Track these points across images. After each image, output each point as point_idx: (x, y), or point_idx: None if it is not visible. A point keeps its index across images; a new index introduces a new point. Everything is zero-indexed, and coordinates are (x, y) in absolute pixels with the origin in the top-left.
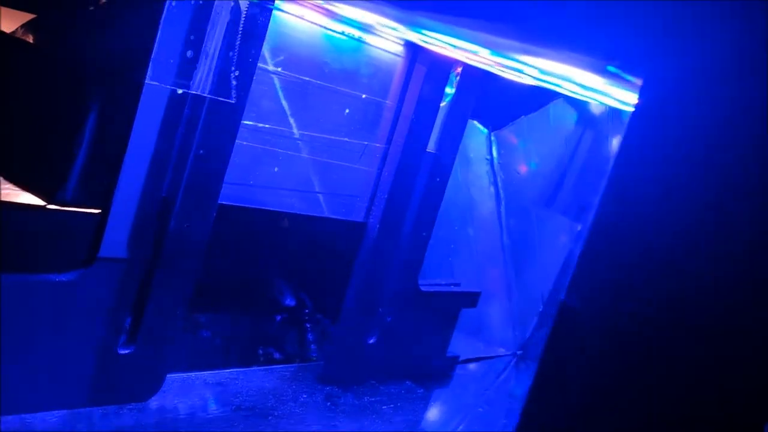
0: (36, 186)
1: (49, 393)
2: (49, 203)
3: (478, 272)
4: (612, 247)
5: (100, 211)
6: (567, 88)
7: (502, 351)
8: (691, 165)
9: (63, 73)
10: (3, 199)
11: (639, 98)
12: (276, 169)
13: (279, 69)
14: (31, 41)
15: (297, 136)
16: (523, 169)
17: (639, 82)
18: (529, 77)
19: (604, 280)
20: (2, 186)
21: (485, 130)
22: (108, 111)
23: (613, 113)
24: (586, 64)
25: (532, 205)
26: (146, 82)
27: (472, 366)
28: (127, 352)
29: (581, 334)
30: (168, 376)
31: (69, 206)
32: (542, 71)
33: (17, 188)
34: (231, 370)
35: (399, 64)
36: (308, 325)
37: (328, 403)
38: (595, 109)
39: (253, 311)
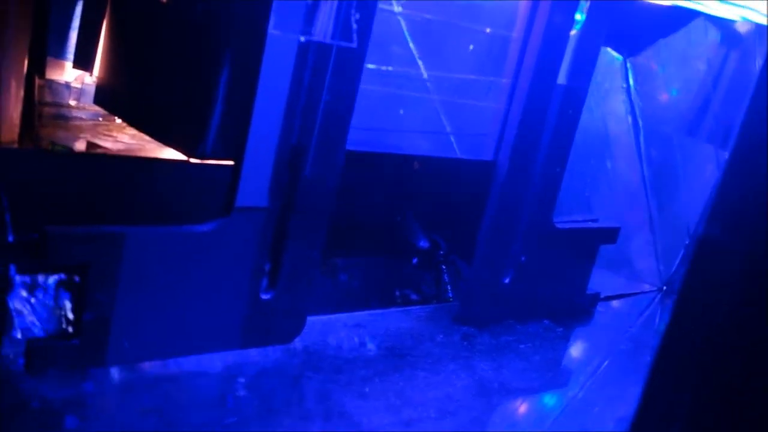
0: (176, 141)
1: (201, 337)
2: (192, 157)
3: (617, 207)
4: (757, 170)
5: (233, 163)
6: (708, 5)
7: (646, 287)
8: None
9: (196, 29)
10: (147, 155)
11: None
12: (401, 112)
13: (401, 9)
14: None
15: (422, 76)
16: (663, 96)
17: None
18: None
19: (749, 207)
20: (146, 143)
21: (620, 57)
22: (236, 64)
23: (760, 30)
24: None
25: (674, 133)
26: (269, 31)
27: (614, 303)
28: (268, 296)
29: (722, 268)
30: (309, 318)
31: (207, 159)
32: None
33: (160, 144)
34: (369, 311)
35: None
36: (443, 267)
37: (465, 343)
38: (740, 27)
39: (388, 254)
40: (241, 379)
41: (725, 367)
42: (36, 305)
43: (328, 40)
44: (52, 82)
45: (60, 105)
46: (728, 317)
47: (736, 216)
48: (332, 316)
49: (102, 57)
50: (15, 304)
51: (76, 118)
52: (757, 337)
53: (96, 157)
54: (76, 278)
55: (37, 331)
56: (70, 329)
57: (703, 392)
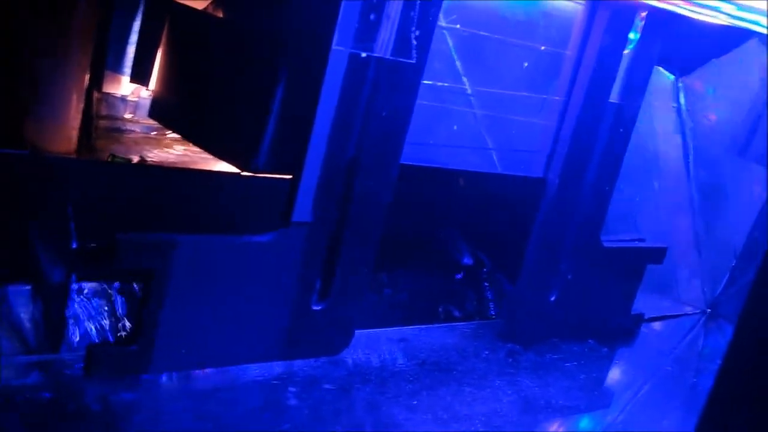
0: (230, 155)
1: (254, 346)
2: (245, 171)
3: (664, 227)
4: None
5: (291, 177)
6: (764, 25)
7: (689, 309)
8: None
9: (253, 45)
10: (204, 168)
11: None
12: (455, 127)
13: (457, 26)
14: (221, 16)
15: (472, 92)
16: (713, 116)
17: None
18: (725, 15)
19: None
20: (198, 157)
21: (672, 77)
22: (297, 80)
23: None
24: None
25: (724, 154)
26: (333, 47)
27: (657, 325)
28: (320, 308)
29: None
30: (355, 331)
31: (263, 173)
32: (739, 7)
33: (212, 157)
34: (413, 326)
35: (579, 11)
36: (486, 284)
37: (510, 360)
38: None
39: (432, 270)
40: (293, 389)
41: None
42: (94, 312)
43: (388, 56)
44: (108, 95)
45: (115, 118)
46: None
47: None
48: (377, 330)
49: (158, 71)
50: (74, 311)
51: (129, 131)
52: None
53: (152, 168)
54: (135, 286)
55: (95, 337)
56: (127, 335)
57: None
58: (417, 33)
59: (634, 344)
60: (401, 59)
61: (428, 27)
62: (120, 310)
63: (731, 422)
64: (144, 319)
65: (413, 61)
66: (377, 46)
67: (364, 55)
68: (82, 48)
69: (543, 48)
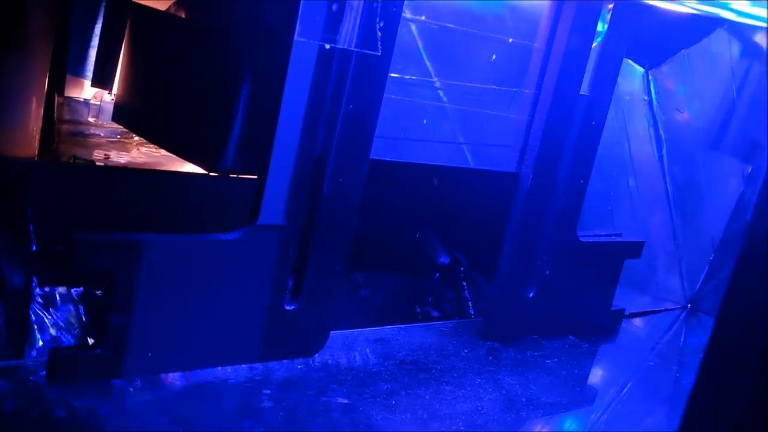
0: (196, 156)
1: (224, 349)
2: (212, 172)
3: (641, 222)
4: None
5: (257, 177)
6: (729, 15)
7: (669, 305)
8: None
9: (215, 43)
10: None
11: None
12: (425, 122)
13: (422, 17)
14: (184, 16)
15: (441, 85)
16: (684, 109)
17: None
18: (688, 6)
19: None
20: (163, 159)
21: (641, 69)
22: (261, 76)
23: None
24: None
25: (697, 147)
26: (295, 39)
27: (638, 320)
28: (292, 308)
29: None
30: (331, 333)
31: (232, 173)
32: None
33: (178, 159)
34: (391, 326)
35: (546, 4)
36: (464, 283)
37: (490, 358)
38: (764, 37)
39: (408, 270)
40: (267, 391)
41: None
42: (58, 316)
43: (352, 48)
44: (71, 99)
45: (79, 122)
46: None
47: None
48: (354, 331)
49: (120, 74)
50: (37, 316)
51: (94, 135)
52: None
53: (115, 169)
54: (98, 292)
55: (60, 341)
56: (92, 340)
57: (747, 407)
58: (381, 24)
59: (616, 340)
60: (366, 51)
61: (393, 18)
62: (85, 316)
63: (715, 416)
64: (107, 322)
65: (378, 53)
66: (341, 38)
67: (327, 47)
68: (40, 52)
69: (511, 41)
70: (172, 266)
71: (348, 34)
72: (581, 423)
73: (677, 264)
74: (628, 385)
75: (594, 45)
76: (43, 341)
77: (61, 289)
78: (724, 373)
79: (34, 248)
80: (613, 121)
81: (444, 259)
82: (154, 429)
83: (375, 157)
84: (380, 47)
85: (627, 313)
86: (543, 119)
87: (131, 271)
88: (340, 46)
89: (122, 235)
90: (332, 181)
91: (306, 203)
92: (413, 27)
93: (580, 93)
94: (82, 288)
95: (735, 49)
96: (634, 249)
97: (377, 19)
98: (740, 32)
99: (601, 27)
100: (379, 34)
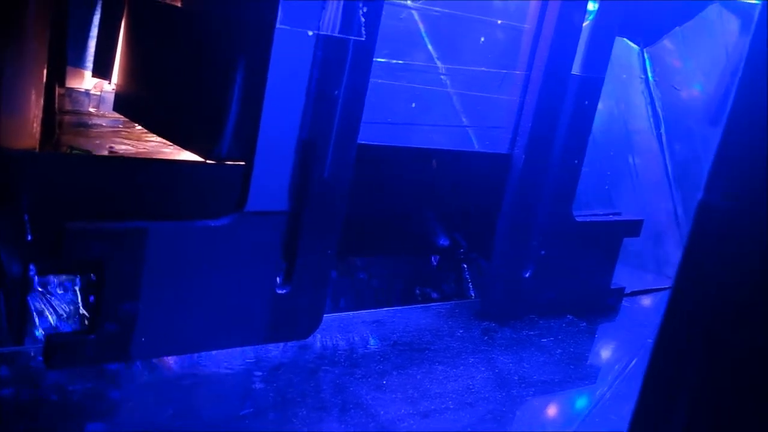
0: (193, 144)
1: (217, 332)
2: (207, 159)
3: (642, 201)
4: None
5: (244, 163)
6: None
7: (672, 283)
8: None
9: (210, 32)
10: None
11: None
12: (413, 105)
13: (408, 1)
14: (179, 5)
15: (432, 69)
16: (682, 86)
17: None
18: None
19: (754, 171)
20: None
21: (637, 48)
22: (247, 63)
23: None
24: None
25: (696, 123)
26: (277, 26)
27: (640, 299)
28: (284, 291)
29: (726, 238)
30: (327, 315)
31: (227, 160)
32: None
33: (179, 149)
34: (388, 309)
35: None
36: (464, 265)
37: (485, 337)
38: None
39: (408, 253)
40: (258, 373)
41: (725, 364)
42: (57, 304)
43: (336, 34)
44: (72, 90)
45: (80, 113)
46: (727, 311)
47: (743, 180)
48: (351, 314)
49: (120, 64)
50: (36, 303)
51: (96, 125)
52: (760, 329)
53: (112, 159)
54: (93, 276)
55: (58, 328)
56: (87, 325)
57: (701, 391)
58: (365, 10)
59: (615, 319)
60: (350, 36)
61: (376, 3)
62: (83, 302)
63: (669, 398)
64: (100, 309)
65: (363, 39)
66: (324, 24)
67: (310, 33)
68: (38, 42)
69: (500, 22)
70: (162, 253)
71: (330, 20)
72: (570, 399)
73: (680, 242)
74: (633, 363)
75: (585, 24)
76: (43, 329)
77: (61, 277)
78: (672, 366)
79: (29, 238)
80: (610, 100)
81: (443, 242)
82: (147, 411)
83: (369, 142)
84: (364, 32)
85: (628, 291)
86: (534, 100)
87: (122, 258)
88: (324, 33)
89: (113, 224)
90: (320, 166)
91: (294, 188)
92: (414, 14)
93: (572, 73)
94: (79, 275)
95: (732, 24)
96: (633, 227)
97: (360, 5)
98: (738, 7)
99: (592, 5)
100: (363, 19)
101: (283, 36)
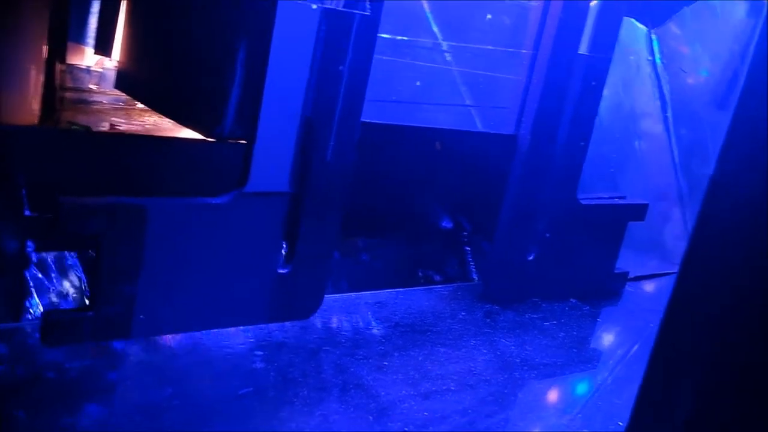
0: (195, 122)
1: (217, 311)
2: (210, 137)
3: (647, 185)
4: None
5: (245, 142)
6: None
7: (677, 267)
8: None
9: (205, 6)
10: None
11: None
12: (418, 83)
13: None
14: None
15: (437, 47)
16: (690, 69)
17: None
18: None
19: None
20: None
21: (645, 28)
22: (249, 39)
23: None
24: None
25: (703, 107)
26: None
27: (644, 283)
28: (285, 271)
29: (734, 212)
30: (329, 296)
31: (229, 139)
32: None
33: (180, 126)
34: (390, 290)
35: None
36: (467, 248)
37: (488, 320)
38: None
39: (411, 235)
40: (259, 353)
41: (728, 357)
42: (55, 280)
43: (340, 8)
44: (72, 67)
45: (81, 90)
46: (734, 296)
47: (755, 153)
48: (353, 295)
49: (122, 41)
50: (33, 279)
51: (97, 102)
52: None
53: (112, 135)
54: (92, 252)
55: (56, 305)
56: (87, 302)
57: (704, 384)
58: None
59: (619, 303)
60: (355, 11)
61: None
62: (81, 279)
63: (672, 390)
64: (97, 285)
65: (368, 13)
66: None
67: (314, 6)
68: (39, 18)
69: None
70: (161, 230)
71: None
72: (572, 381)
73: (684, 226)
74: (635, 349)
75: (593, 3)
76: (42, 305)
77: (60, 253)
78: (677, 356)
79: (27, 213)
80: (616, 81)
81: (447, 224)
82: (145, 390)
83: (372, 120)
84: (369, 7)
85: (632, 276)
86: (541, 80)
87: (118, 234)
88: (327, 6)
89: (109, 199)
90: (323, 144)
91: (296, 167)
92: None
93: (579, 52)
94: (77, 252)
95: (741, 7)
96: (638, 211)
97: None
98: None
99: None
100: None
101: (286, 9)
